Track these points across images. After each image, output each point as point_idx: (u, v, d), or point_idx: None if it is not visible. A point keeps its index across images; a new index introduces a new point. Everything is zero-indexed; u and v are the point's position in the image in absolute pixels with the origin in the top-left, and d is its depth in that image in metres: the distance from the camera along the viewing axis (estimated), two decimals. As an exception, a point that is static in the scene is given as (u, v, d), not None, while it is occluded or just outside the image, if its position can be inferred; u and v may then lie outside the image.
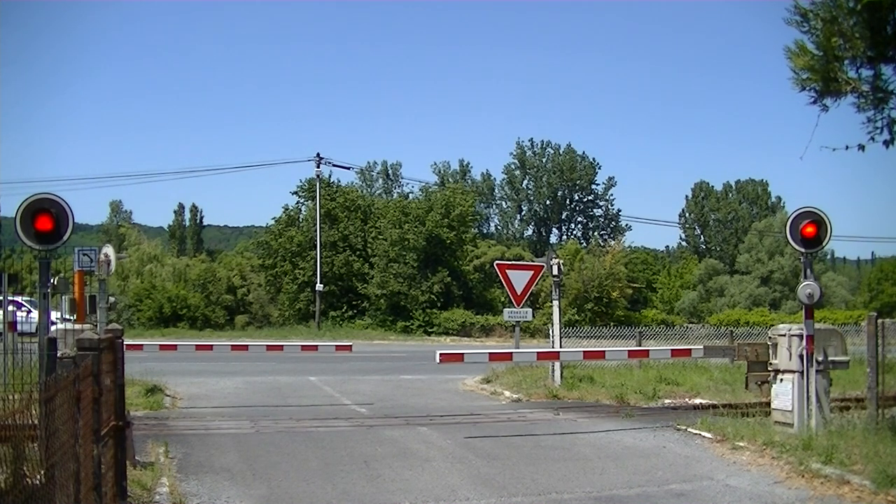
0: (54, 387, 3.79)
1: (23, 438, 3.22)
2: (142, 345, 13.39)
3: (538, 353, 12.87)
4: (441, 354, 10.55)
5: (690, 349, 11.33)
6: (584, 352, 12.41)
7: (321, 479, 7.58)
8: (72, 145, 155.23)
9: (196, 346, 14.98)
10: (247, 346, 16.26)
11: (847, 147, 7.82)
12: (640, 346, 18.43)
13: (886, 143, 7.74)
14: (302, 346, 15.87)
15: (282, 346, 15.54)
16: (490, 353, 12.26)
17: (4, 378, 9.72)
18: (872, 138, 7.81)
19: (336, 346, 16.44)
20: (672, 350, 11.59)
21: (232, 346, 15.17)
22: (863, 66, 7.77)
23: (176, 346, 14.37)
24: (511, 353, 12.64)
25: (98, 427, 4.78)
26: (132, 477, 6.62)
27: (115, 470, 5.74)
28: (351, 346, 15.20)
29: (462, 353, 11.49)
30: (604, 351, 12.81)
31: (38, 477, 3.45)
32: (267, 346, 15.33)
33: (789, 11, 7.94)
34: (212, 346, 15.24)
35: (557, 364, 14.63)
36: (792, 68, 8.02)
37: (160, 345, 14.15)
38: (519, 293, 16.25)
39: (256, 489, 7.21)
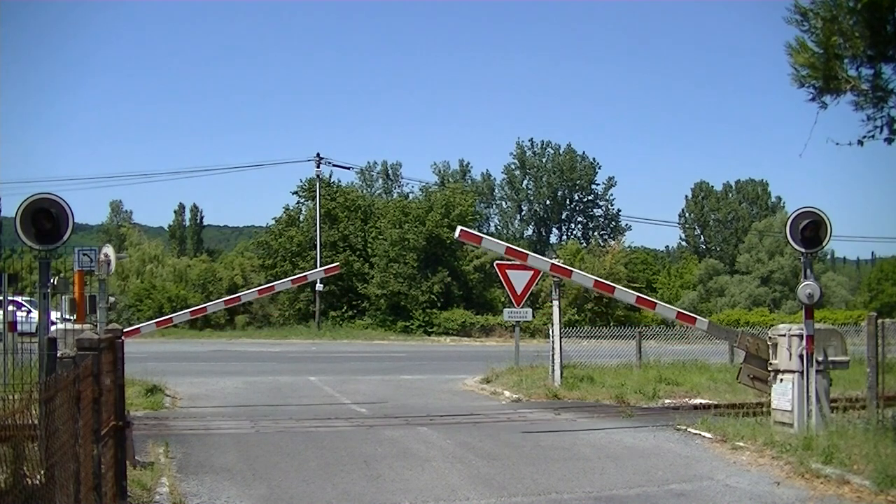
0: (54, 387, 3.79)
1: (23, 438, 3.22)
2: (138, 328, 13.58)
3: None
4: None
5: (696, 318, 11.31)
6: (595, 280, 12.05)
7: (321, 479, 7.58)
8: (72, 145, 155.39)
9: (191, 311, 15.53)
10: (239, 300, 17.37)
11: (850, 143, 7.81)
12: (639, 346, 18.45)
13: (888, 140, 7.73)
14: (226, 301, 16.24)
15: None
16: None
17: (4, 378, 9.72)
18: (873, 136, 7.81)
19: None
20: (678, 312, 11.51)
21: (225, 301, 15.91)
22: (863, 65, 7.77)
23: (171, 318, 14.81)
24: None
25: (98, 427, 4.78)
26: (132, 477, 6.62)
27: (115, 470, 5.73)
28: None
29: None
30: (613, 287, 12.20)
31: (38, 477, 3.45)
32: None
33: (789, 10, 7.95)
34: (206, 307, 15.86)
35: (557, 364, 14.64)
36: (792, 65, 8.02)
37: (156, 322, 14.46)
38: (519, 293, 16.26)
39: (256, 489, 7.21)
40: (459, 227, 11.27)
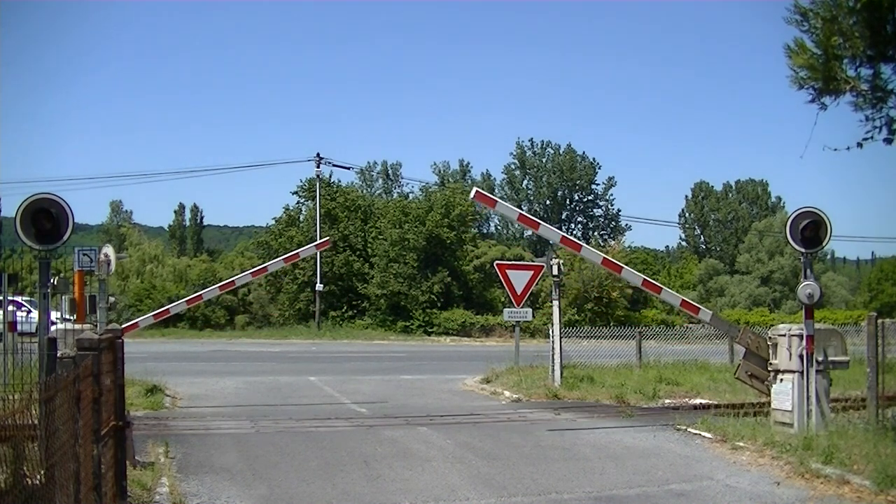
0: (54, 387, 3.79)
1: (23, 438, 3.22)
2: (136, 322, 13.64)
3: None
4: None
5: (699, 308, 11.42)
6: (604, 258, 12.08)
7: (321, 479, 7.58)
8: (72, 145, 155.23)
9: (187, 300, 15.56)
10: (234, 285, 16.72)
11: (848, 148, 7.82)
12: (639, 346, 18.45)
13: (887, 141, 7.74)
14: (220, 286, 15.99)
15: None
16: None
17: (4, 378, 9.73)
18: (871, 137, 7.81)
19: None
20: (682, 300, 11.63)
21: (220, 287, 15.64)
22: (862, 65, 7.77)
23: (168, 309, 14.77)
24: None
25: (98, 427, 4.78)
26: (132, 477, 6.62)
27: (115, 470, 5.73)
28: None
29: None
30: (621, 266, 12.14)
31: (38, 477, 3.45)
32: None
33: (789, 10, 7.95)
34: (201, 294, 15.72)
35: (557, 364, 14.64)
36: (791, 66, 8.02)
37: (154, 314, 14.43)
38: (519, 293, 16.25)
39: (256, 489, 7.21)
40: (475, 189, 11.54)
